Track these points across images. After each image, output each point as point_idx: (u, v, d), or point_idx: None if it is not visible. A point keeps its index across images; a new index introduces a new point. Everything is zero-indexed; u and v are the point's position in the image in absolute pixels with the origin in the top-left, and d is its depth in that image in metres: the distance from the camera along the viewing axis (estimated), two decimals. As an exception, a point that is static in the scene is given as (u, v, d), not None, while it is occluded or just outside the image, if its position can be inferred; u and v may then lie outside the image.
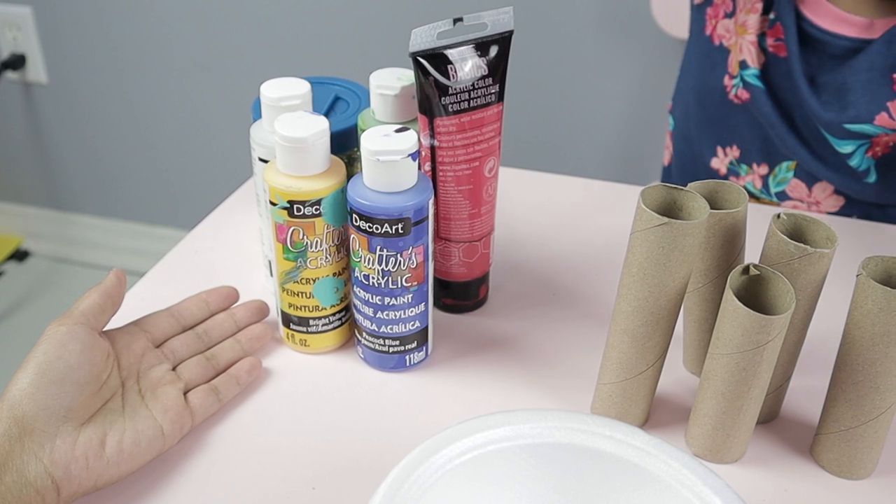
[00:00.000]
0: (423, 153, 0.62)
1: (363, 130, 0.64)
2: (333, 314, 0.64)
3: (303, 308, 0.63)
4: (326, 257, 0.61)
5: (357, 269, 0.60)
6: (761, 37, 0.87)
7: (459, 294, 0.68)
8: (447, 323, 0.68)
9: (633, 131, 1.59)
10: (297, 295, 0.62)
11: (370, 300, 0.61)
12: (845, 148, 0.85)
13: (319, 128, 0.58)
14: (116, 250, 2.05)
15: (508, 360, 0.65)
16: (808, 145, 0.88)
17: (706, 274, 0.58)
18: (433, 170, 0.62)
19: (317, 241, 0.60)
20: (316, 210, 0.58)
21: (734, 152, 0.95)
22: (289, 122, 0.58)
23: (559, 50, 1.53)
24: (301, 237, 0.59)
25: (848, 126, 0.83)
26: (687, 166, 1.02)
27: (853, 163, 0.86)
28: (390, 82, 0.63)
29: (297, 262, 0.61)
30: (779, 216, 0.55)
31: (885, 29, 0.82)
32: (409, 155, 0.56)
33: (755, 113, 0.90)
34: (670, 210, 0.54)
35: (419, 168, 0.59)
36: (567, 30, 1.51)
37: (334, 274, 0.62)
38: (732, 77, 0.91)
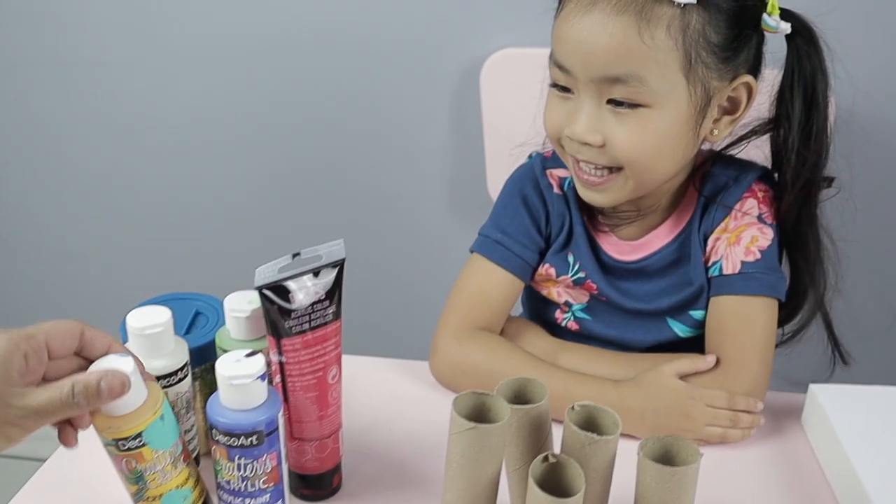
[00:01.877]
0: (273, 368, 0.71)
1: (220, 348, 0.73)
2: (186, 519, 0.69)
3: (155, 520, 0.68)
4: (164, 476, 0.65)
5: (220, 475, 0.68)
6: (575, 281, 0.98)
7: (315, 485, 0.76)
8: (307, 511, 0.76)
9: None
10: (148, 510, 0.67)
11: (233, 502, 0.68)
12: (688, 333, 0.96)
13: (129, 368, 0.62)
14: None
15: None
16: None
17: (521, 457, 0.68)
18: (283, 382, 0.71)
19: (150, 466, 0.64)
20: (139, 441, 0.63)
21: None
22: (102, 364, 0.62)
23: (405, 237, 1.63)
24: (134, 465, 0.64)
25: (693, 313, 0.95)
26: None
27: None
28: (241, 305, 0.73)
29: (139, 485, 0.65)
30: (573, 407, 0.65)
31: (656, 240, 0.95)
32: (258, 377, 0.65)
33: (586, 339, 1.00)
34: (481, 412, 0.64)
35: (269, 384, 0.68)
36: (414, 214, 1.61)
37: (178, 486, 0.67)
38: (564, 312, 1.01)
